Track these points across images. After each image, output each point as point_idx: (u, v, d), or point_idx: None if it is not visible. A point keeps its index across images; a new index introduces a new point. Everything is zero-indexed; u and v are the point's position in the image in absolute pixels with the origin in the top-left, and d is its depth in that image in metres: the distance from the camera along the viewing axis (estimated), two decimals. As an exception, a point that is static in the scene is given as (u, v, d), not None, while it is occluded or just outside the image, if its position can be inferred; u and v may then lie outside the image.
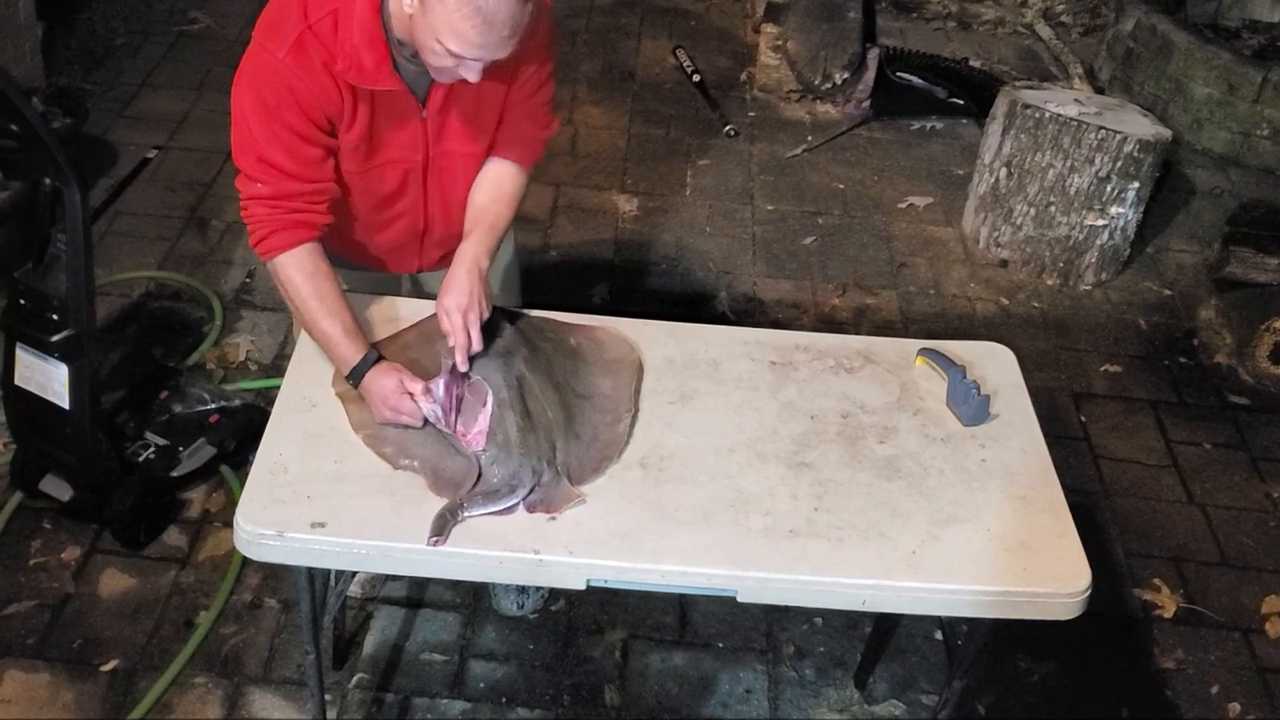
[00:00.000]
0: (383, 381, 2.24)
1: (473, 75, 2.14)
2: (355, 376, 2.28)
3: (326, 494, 2.11)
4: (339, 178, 2.35)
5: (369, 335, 2.38)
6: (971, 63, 5.97)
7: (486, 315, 2.34)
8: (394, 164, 2.41)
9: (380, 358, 2.30)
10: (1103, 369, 4.19)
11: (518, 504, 2.12)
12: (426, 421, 2.24)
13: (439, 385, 2.23)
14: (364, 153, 2.35)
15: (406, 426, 2.24)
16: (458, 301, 2.30)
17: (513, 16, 2.02)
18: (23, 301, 2.93)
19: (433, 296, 2.54)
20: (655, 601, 3.16)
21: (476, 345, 2.30)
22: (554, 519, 2.11)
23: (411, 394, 2.22)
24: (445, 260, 2.60)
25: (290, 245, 2.29)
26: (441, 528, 2.05)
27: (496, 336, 2.36)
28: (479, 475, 2.15)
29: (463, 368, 2.28)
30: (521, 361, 2.33)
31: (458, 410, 2.23)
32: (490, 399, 2.23)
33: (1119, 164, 4.29)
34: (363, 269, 2.65)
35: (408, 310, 2.54)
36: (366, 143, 2.33)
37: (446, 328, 2.30)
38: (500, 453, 2.18)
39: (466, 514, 2.09)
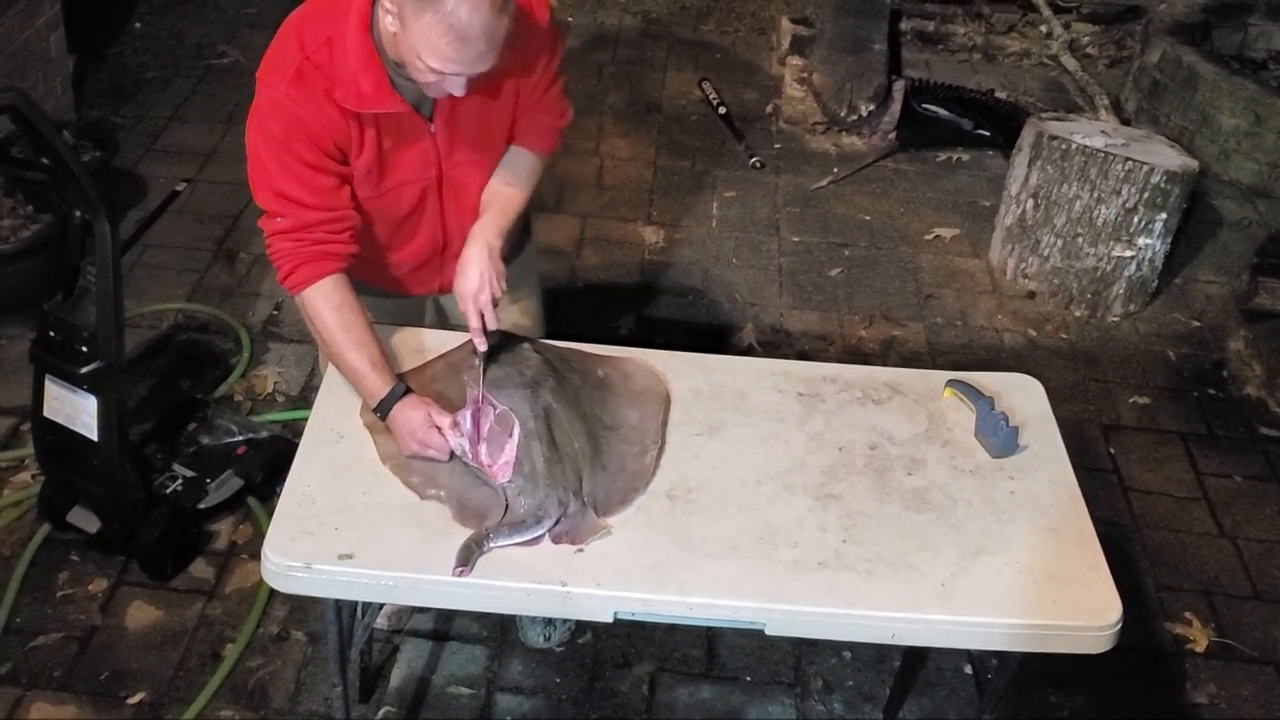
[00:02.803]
0: (410, 415, 2.25)
1: (457, 90, 2.15)
2: (383, 409, 2.28)
3: (354, 525, 2.11)
4: (354, 205, 2.36)
5: (395, 366, 2.38)
6: (997, 94, 5.96)
7: (500, 294, 2.37)
8: (408, 185, 2.42)
9: (408, 390, 2.30)
10: (1131, 400, 4.16)
11: (543, 535, 2.12)
12: (453, 455, 2.24)
13: (466, 418, 2.23)
14: (376, 177, 2.36)
15: (433, 459, 2.24)
16: (469, 286, 2.33)
17: (488, 31, 2.03)
18: (52, 333, 2.95)
19: (456, 323, 2.55)
20: (682, 634, 3.15)
21: (491, 324, 2.33)
22: (581, 550, 2.11)
23: (439, 428, 2.23)
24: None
25: (316, 278, 2.30)
26: (467, 558, 2.05)
27: (523, 367, 2.36)
28: (506, 507, 2.15)
29: (481, 348, 2.31)
30: (548, 392, 2.33)
31: (485, 440, 2.23)
32: (517, 429, 2.23)
33: (1146, 195, 4.28)
34: (381, 293, 2.64)
35: (434, 341, 2.55)
36: (378, 167, 2.34)
37: (462, 309, 2.34)
38: (526, 483, 2.17)
39: (492, 544, 2.09)
